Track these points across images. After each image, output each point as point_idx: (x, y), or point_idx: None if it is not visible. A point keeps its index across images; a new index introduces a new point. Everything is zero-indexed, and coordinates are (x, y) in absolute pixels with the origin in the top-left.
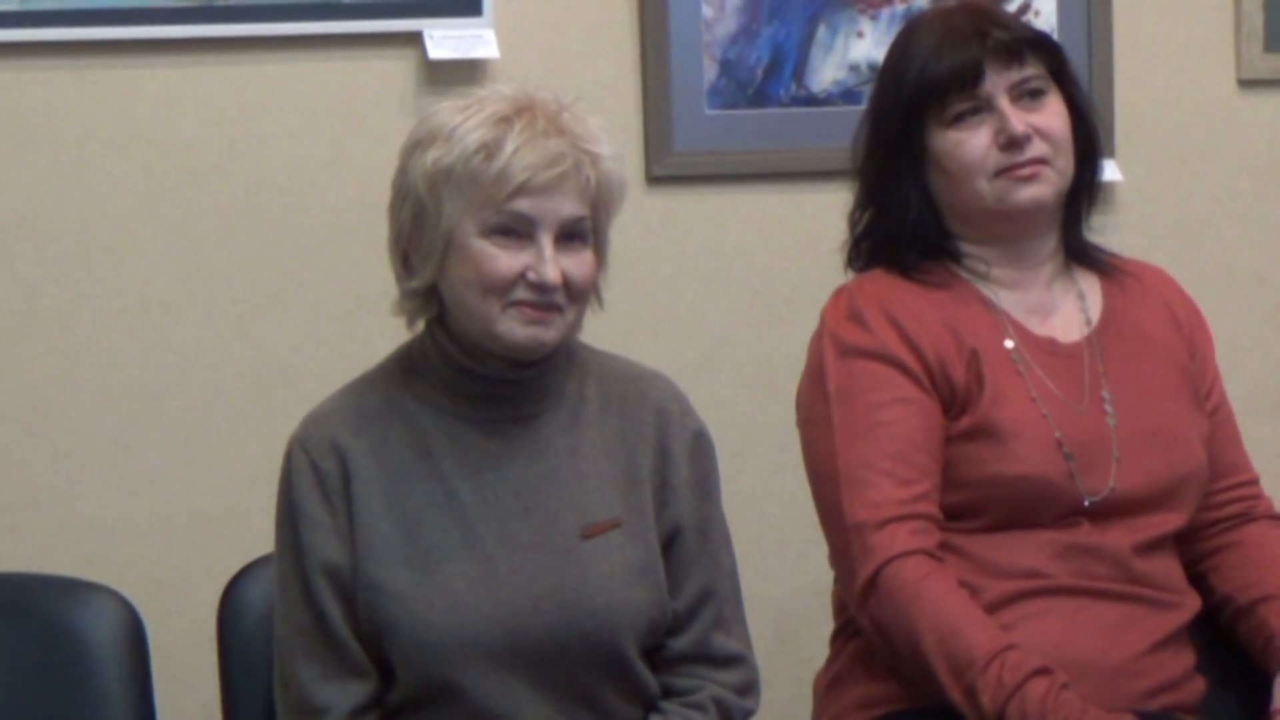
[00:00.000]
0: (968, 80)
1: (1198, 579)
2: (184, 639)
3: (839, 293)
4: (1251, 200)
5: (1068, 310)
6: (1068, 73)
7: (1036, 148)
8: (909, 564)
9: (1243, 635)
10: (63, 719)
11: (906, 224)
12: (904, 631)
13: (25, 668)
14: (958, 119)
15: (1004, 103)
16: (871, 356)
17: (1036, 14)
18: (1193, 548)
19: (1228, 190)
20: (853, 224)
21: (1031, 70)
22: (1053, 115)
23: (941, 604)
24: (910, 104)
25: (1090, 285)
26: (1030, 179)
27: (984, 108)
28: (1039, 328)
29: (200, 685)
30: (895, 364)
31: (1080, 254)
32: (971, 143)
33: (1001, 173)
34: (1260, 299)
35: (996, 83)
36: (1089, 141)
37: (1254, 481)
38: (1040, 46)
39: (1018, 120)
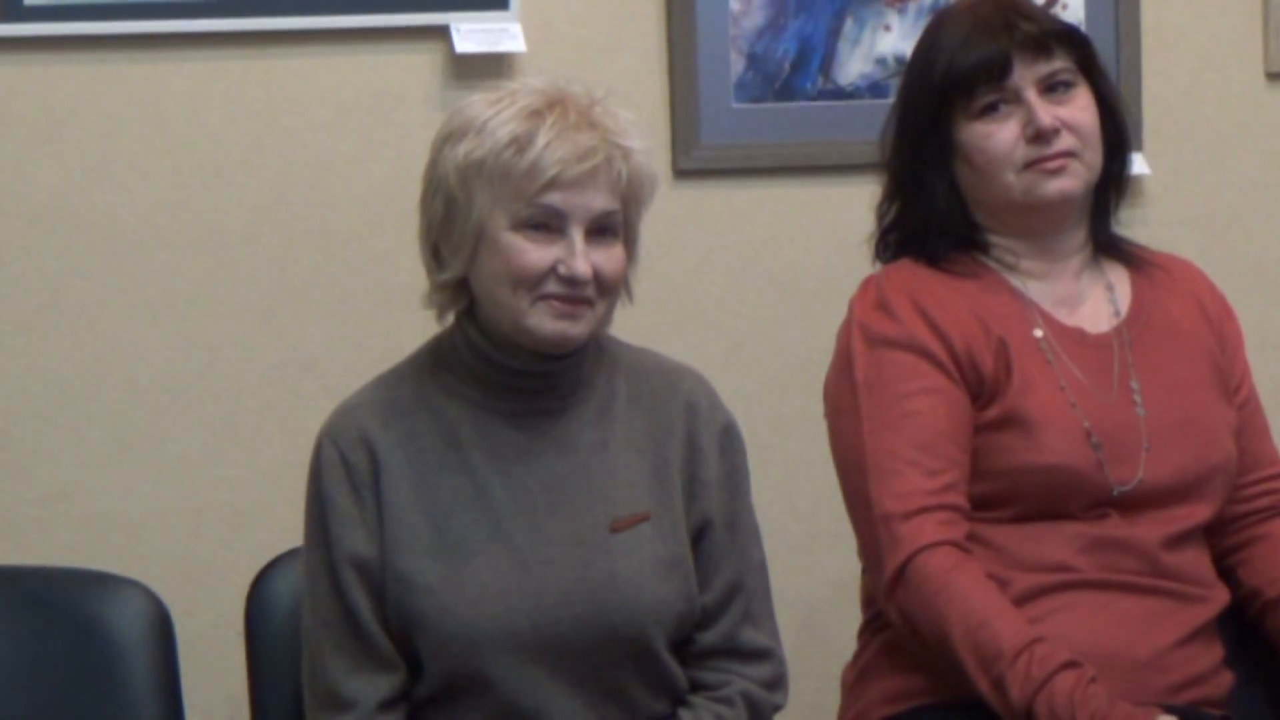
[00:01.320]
0: (995, 72)
1: (1226, 572)
2: (212, 632)
3: (867, 282)
4: (1279, 193)
5: (1096, 301)
6: (1096, 65)
7: (1064, 141)
8: (937, 555)
9: (1271, 629)
10: (91, 712)
11: (934, 216)
12: (932, 623)
13: (54, 661)
14: (985, 111)
15: (1032, 95)
16: (900, 346)
17: (1064, 7)
18: (1221, 541)
19: (1255, 183)
20: (880, 216)
21: (1060, 63)
22: (1080, 108)
23: (970, 595)
24: (938, 96)
25: (1119, 277)
26: (1058, 172)
27: (1011, 100)
28: (1068, 318)
29: (228, 678)
30: (923, 354)
31: (1109, 246)
32: (999, 135)
33: (1029, 165)
34: None
35: (1024, 75)
36: (1117, 134)
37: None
38: (1068, 39)
39: (1045, 113)
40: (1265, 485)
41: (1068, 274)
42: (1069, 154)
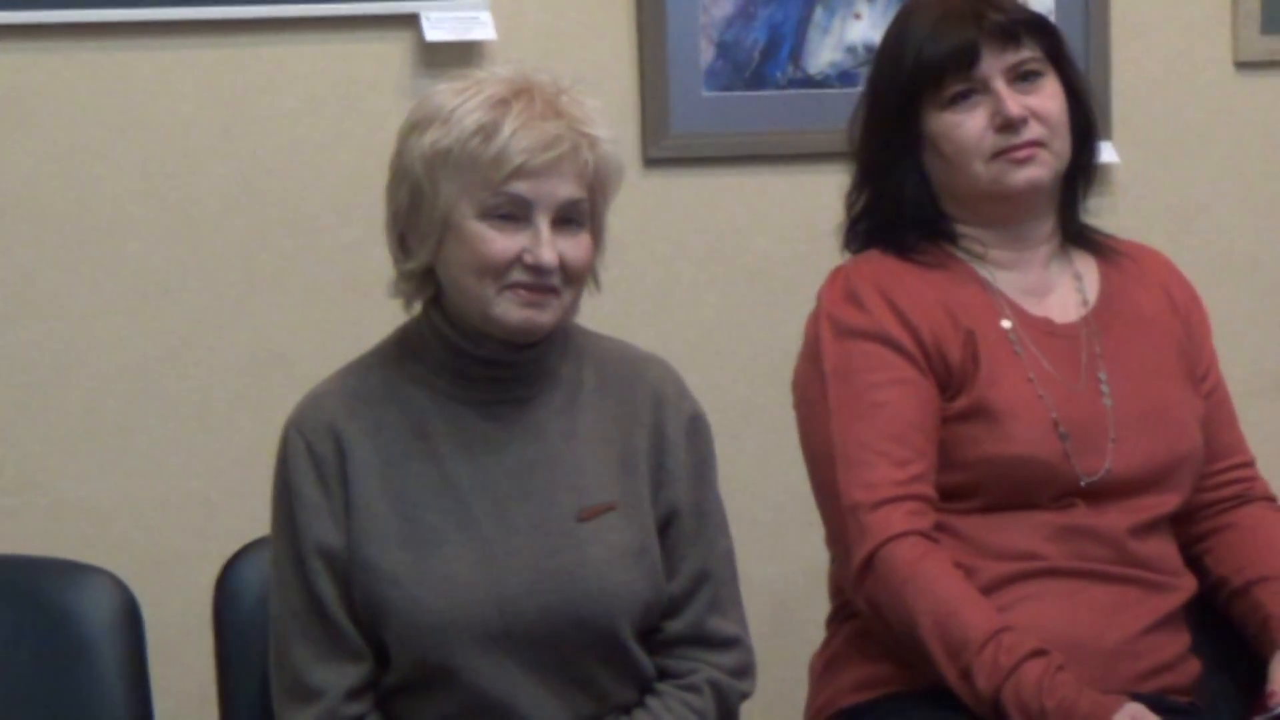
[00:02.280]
0: (963, 62)
1: (1194, 561)
2: (180, 621)
3: (835, 273)
4: (1248, 182)
5: (1064, 291)
6: (1065, 54)
7: (1032, 130)
8: (905, 545)
9: (1238, 617)
10: (59, 701)
11: (903, 205)
12: (900, 612)
13: (21, 650)
14: (954, 101)
15: (1000, 85)
16: (868, 337)
17: None
18: (1189, 529)
19: (1224, 172)
20: (849, 205)
21: (1028, 52)
22: (1049, 97)
23: (937, 585)
24: (907, 85)
25: (1087, 266)
26: (1026, 161)
27: (980, 90)
28: (1035, 308)
29: (196, 667)
30: (892, 344)
31: (1077, 235)
32: (968, 125)
33: (998, 155)
34: (1257, 281)
35: (993, 65)
36: (1086, 123)
37: (1250, 464)
38: (1037, 28)
39: (1013, 103)
40: (1232, 474)
41: (1036, 263)
42: (1037, 143)
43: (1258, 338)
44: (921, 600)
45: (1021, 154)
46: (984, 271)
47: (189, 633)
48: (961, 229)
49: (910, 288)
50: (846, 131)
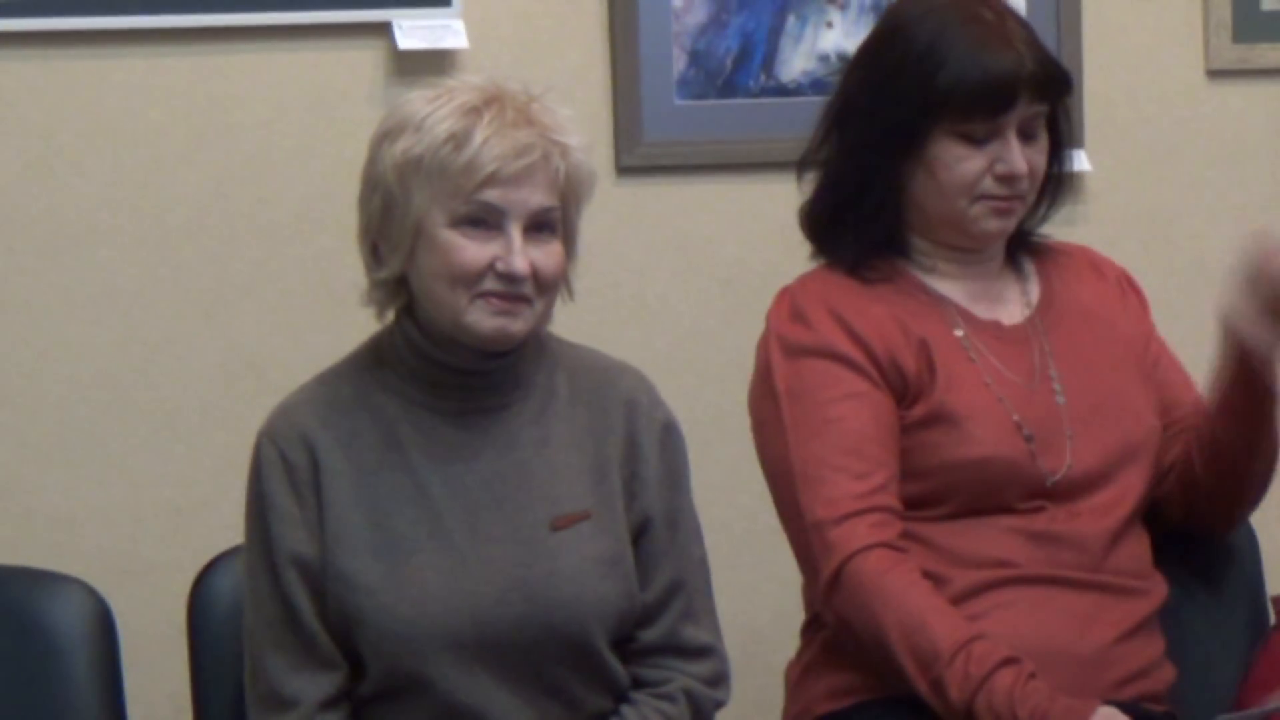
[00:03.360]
0: (999, 106)
1: (1167, 487)
2: (153, 630)
3: (781, 294)
4: (1220, 190)
5: (1010, 294)
6: (1067, 110)
7: (1023, 186)
8: (870, 558)
9: (1204, 439)
10: (32, 710)
11: (866, 212)
12: (869, 627)
13: None
14: (967, 135)
15: (1012, 136)
16: (817, 354)
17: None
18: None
19: (1196, 181)
20: (817, 209)
21: (1042, 108)
22: (1041, 153)
23: (905, 597)
24: (930, 105)
25: (1029, 268)
26: (1006, 213)
27: (995, 133)
28: (984, 312)
29: (170, 677)
30: (841, 360)
31: (1018, 240)
32: (972, 162)
33: (985, 198)
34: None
35: (1016, 115)
36: (1057, 148)
37: (1200, 397)
38: (1064, 87)
39: (1022, 161)
40: (1194, 409)
41: (985, 273)
42: (1021, 198)
43: None
44: (889, 613)
45: (1005, 205)
46: (931, 281)
47: (162, 642)
48: (915, 241)
49: (858, 303)
50: (816, 128)
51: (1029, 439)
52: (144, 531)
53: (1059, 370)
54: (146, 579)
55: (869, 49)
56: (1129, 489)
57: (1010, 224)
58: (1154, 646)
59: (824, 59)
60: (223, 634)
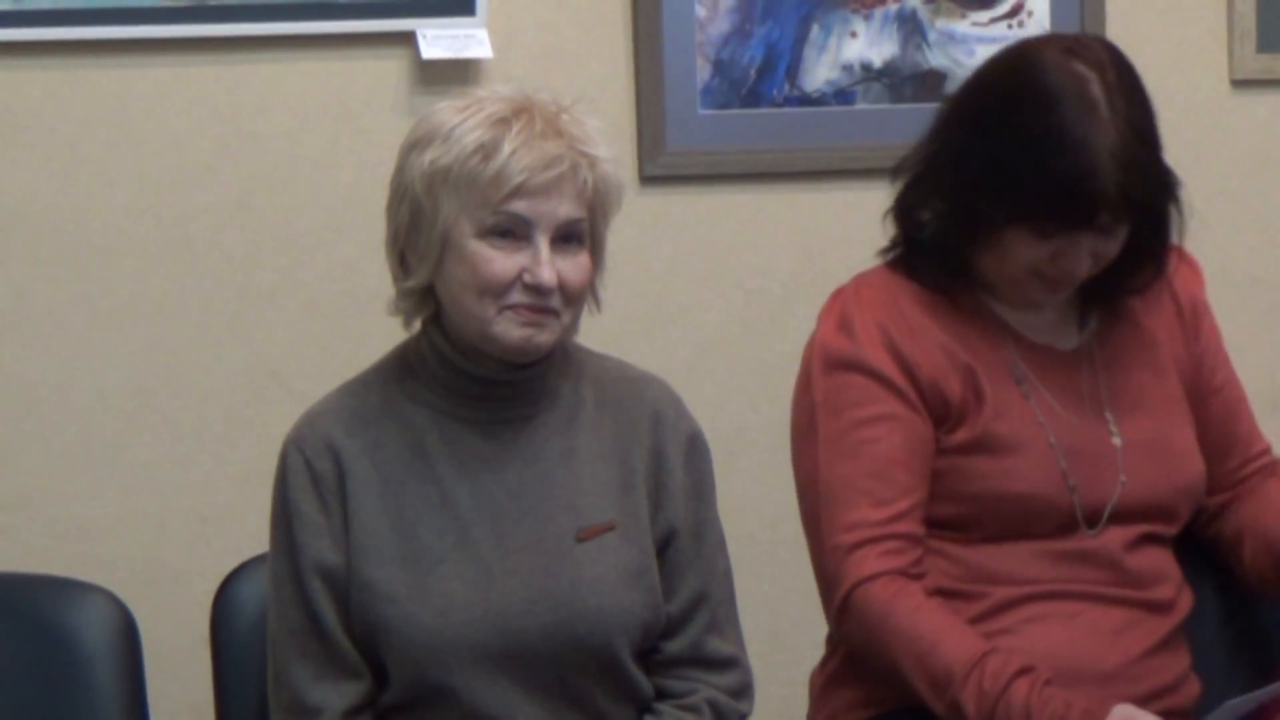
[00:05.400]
0: (1078, 224)
1: (1208, 522)
2: (177, 639)
3: (835, 296)
4: (1245, 200)
5: (1069, 317)
6: None
7: (1078, 276)
8: (876, 586)
9: (1246, 559)
10: (56, 719)
11: (943, 237)
12: (881, 653)
13: (18, 668)
14: (1041, 231)
15: (1084, 241)
16: (858, 369)
17: (1030, 14)
18: (1208, 502)
19: (1221, 190)
20: (908, 215)
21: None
22: (1117, 240)
23: (912, 622)
24: (1017, 207)
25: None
26: (1057, 289)
27: (1067, 234)
28: (1039, 336)
29: (193, 685)
30: (881, 379)
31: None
32: (1037, 251)
33: (1040, 276)
34: (1254, 299)
35: (1093, 228)
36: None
37: (1268, 450)
38: (1150, 210)
39: (1085, 261)
40: (1253, 465)
41: (1050, 306)
42: (1073, 281)
43: (1256, 355)
44: (899, 640)
45: (1058, 285)
46: (987, 299)
47: (186, 650)
48: (983, 276)
49: (910, 317)
50: (923, 136)
51: (1072, 482)
52: (168, 540)
53: (1112, 403)
54: (170, 587)
55: (982, 104)
56: (1167, 527)
57: (1062, 296)
58: (1180, 661)
59: (848, 69)
60: (247, 642)
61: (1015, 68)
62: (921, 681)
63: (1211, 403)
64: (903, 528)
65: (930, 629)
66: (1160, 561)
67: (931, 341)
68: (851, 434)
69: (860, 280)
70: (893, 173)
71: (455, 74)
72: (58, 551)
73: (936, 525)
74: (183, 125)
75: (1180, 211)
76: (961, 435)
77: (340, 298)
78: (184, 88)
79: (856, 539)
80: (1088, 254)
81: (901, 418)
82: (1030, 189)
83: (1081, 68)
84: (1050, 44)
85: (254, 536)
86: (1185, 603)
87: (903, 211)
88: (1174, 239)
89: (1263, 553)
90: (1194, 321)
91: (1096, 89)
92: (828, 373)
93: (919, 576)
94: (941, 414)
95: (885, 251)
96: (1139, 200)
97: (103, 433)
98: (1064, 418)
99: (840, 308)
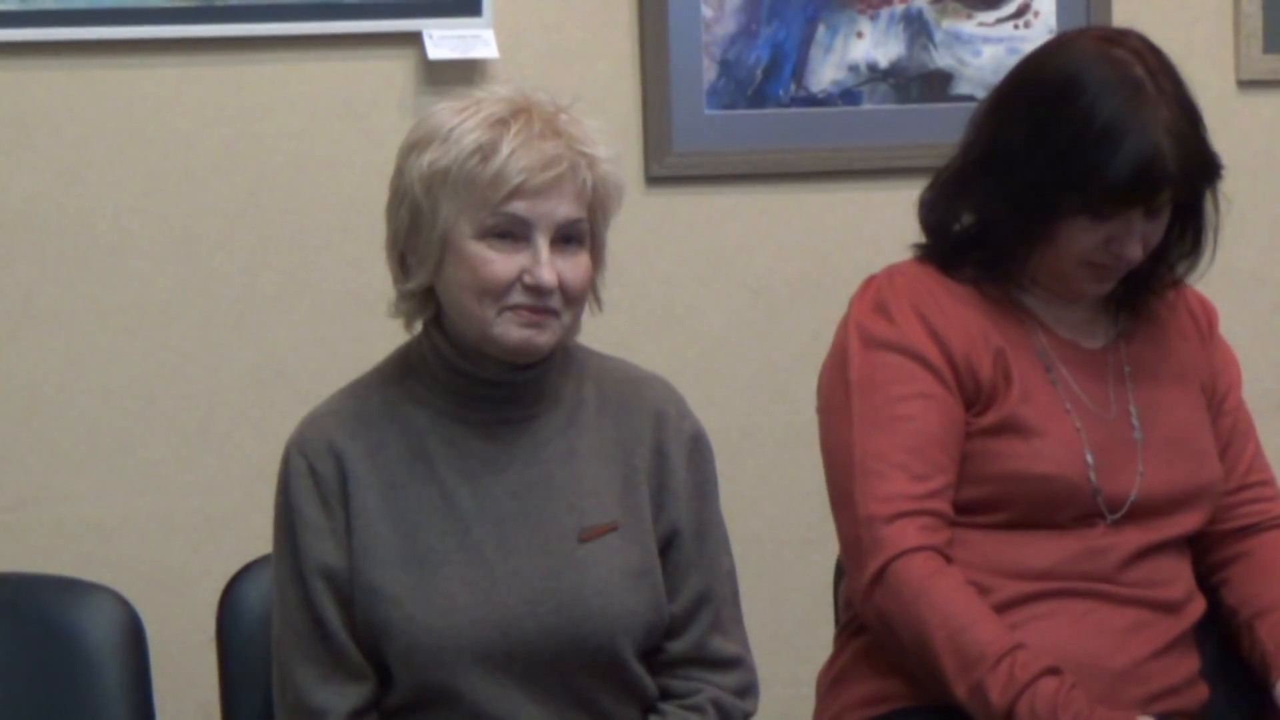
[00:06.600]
0: (1133, 203)
1: (1211, 591)
2: (183, 639)
3: (868, 283)
4: (1250, 200)
5: (1097, 317)
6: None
7: (1130, 261)
8: (917, 560)
9: (1245, 649)
10: (62, 719)
11: (985, 233)
12: (912, 625)
13: (24, 668)
14: (1097, 213)
15: (1137, 219)
16: (895, 349)
17: (1036, 14)
18: (1206, 558)
19: (1227, 190)
20: (943, 216)
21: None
22: (1162, 224)
23: (950, 600)
24: (1075, 199)
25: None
26: (1106, 280)
27: (1121, 214)
28: (1065, 332)
29: (199, 685)
30: (918, 358)
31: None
32: (1092, 235)
33: (1092, 265)
34: (1260, 299)
35: (1147, 207)
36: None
37: (1269, 482)
38: (1205, 186)
39: (1138, 245)
40: (1252, 505)
41: (1080, 304)
42: (1123, 270)
43: (1260, 356)
44: (935, 614)
45: (1110, 273)
46: (1016, 291)
47: (192, 650)
48: (1018, 270)
49: (943, 303)
50: (964, 136)
51: (1092, 463)
52: (174, 540)
53: (1137, 399)
54: (177, 588)
55: (1030, 98)
56: (1184, 524)
57: (1108, 288)
58: (1188, 664)
59: (854, 69)
60: (252, 642)
61: (1058, 62)
62: (950, 657)
63: (1220, 422)
64: (937, 505)
65: (966, 610)
66: (1174, 564)
67: (965, 322)
68: (888, 409)
69: (892, 269)
70: (935, 176)
71: (461, 74)
72: (64, 551)
73: (960, 509)
74: (189, 125)
75: (1216, 203)
76: (990, 418)
77: (347, 298)
78: (190, 88)
79: (894, 510)
80: (1139, 238)
81: (938, 398)
82: (1099, 174)
83: (1123, 54)
84: (1086, 35)
85: (260, 537)
86: (1197, 607)
87: (942, 212)
88: (1211, 232)
89: (1255, 649)
90: (1210, 344)
91: (1141, 72)
92: (865, 351)
93: (952, 559)
94: (973, 396)
95: (918, 247)
96: (1196, 175)
97: (109, 433)
98: (1089, 409)
99: (874, 292)
